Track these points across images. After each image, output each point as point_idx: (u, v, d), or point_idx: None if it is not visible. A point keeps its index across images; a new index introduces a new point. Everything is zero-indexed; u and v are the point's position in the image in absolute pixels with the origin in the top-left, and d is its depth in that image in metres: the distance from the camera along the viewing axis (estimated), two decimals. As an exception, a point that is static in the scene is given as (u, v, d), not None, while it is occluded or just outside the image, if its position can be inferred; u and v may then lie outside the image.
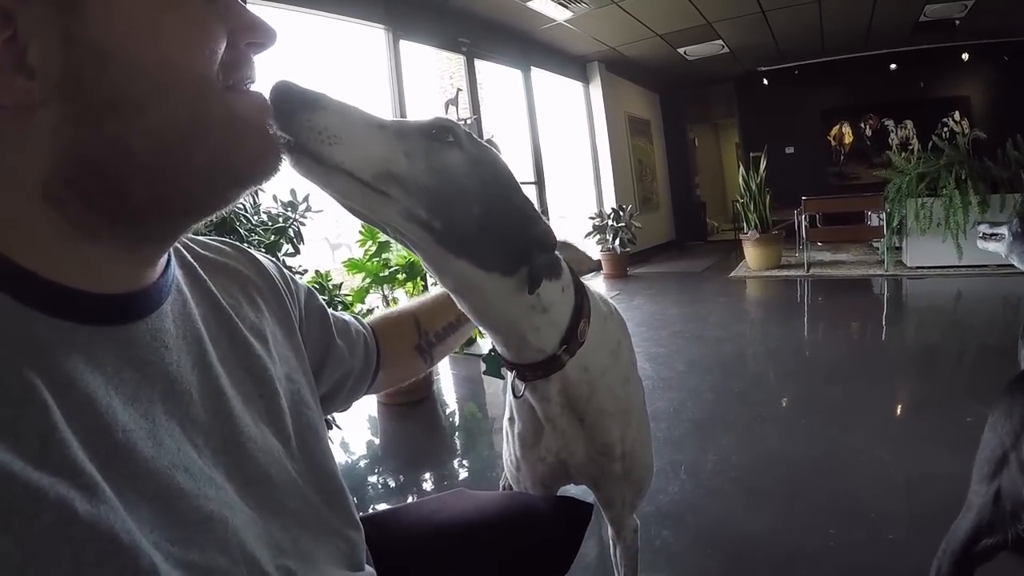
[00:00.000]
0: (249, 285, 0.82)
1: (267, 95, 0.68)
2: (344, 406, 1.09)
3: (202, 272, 0.76)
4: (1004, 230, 2.22)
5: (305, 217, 2.90)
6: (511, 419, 1.28)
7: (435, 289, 1.29)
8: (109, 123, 0.53)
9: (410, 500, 2.89)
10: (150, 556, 0.48)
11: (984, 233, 2.32)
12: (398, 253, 4.17)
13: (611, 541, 1.49)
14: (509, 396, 1.26)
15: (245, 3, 0.65)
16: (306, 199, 2.89)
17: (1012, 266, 2.26)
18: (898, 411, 3.41)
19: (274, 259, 0.93)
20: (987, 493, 1.29)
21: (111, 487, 0.48)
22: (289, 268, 2.87)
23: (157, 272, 0.64)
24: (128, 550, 0.47)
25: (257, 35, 0.63)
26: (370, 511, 0.91)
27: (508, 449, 1.31)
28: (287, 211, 2.86)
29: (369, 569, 0.84)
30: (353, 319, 1.10)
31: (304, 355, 0.87)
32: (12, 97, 0.50)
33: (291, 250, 2.84)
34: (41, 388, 0.47)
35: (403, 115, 6.43)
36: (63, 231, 0.54)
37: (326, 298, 3.05)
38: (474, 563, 0.97)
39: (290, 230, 2.81)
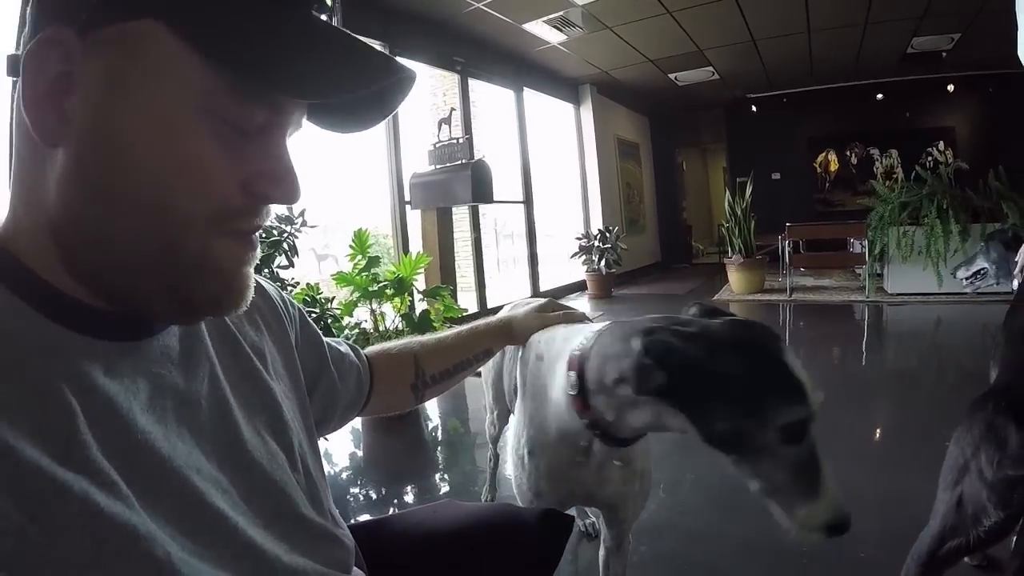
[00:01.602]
0: (251, 307, 0.81)
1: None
2: (333, 429, 1.11)
3: None
4: (982, 263, 2.30)
5: (300, 231, 2.93)
6: (532, 452, 1.31)
7: (443, 331, 1.33)
8: (97, 206, 0.55)
9: (392, 512, 2.92)
10: (165, 547, 0.52)
11: (966, 279, 2.40)
12: (387, 268, 4.20)
13: (604, 552, 1.58)
14: (527, 432, 1.31)
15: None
16: (302, 214, 2.92)
17: (990, 294, 2.33)
18: (876, 435, 3.47)
19: (274, 283, 0.96)
20: (950, 500, 1.39)
21: (129, 484, 0.52)
22: (282, 280, 2.90)
23: None
24: (145, 541, 0.50)
25: (274, 189, 0.62)
26: (352, 521, 0.93)
27: (528, 479, 1.32)
28: (283, 225, 2.89)
29: (360, 574, 0.87)
30: (349, 349, 1.12)
31: (300, 377, 0.89)
32: (37, 123, 0.53)
33: (285, 263, 2.86)
34: (67, 393, 0.51)
35: (396, 130, 6.48)
36: (64, 259, 0.57)
37: (317, 311, 3.08)
38: (462, 570, 1.01)
39: (285, 243, 2.84)
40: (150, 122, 0.54)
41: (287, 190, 0.62)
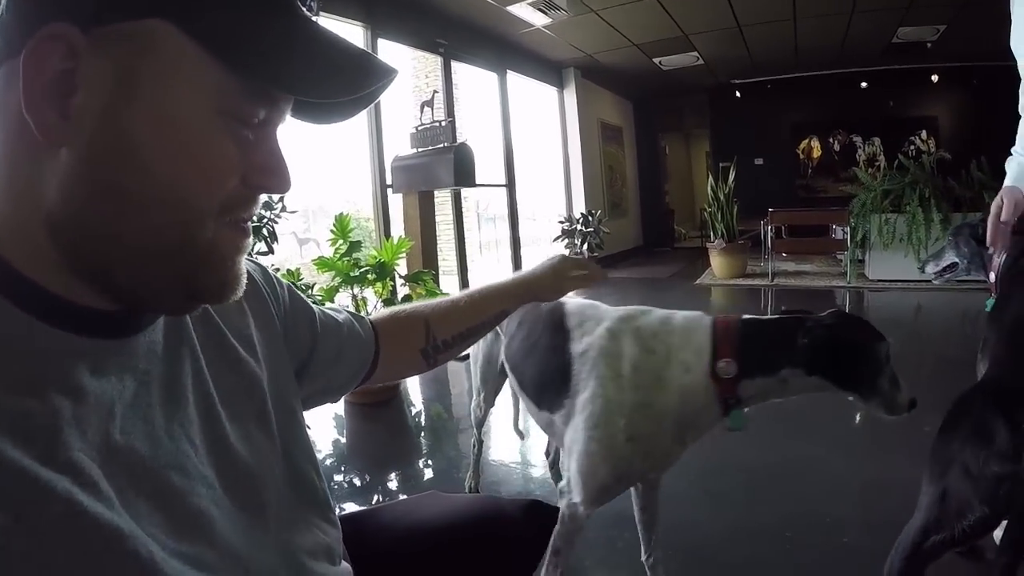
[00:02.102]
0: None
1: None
2: (335, 398, 1.10)
3: None
4: (952, 257, 2.30)
5: (280, 217, 2.90)
6: (633, 438, 1.52)
7: (455, 293, 1.31)
8: (110, 204, 0.55)
9: (376, 500, 2.90)
10: (148, 546, 0.52)
11: (936, 273, 2.41)
12: (369, 253, 4.17)
13: (643, 514, 1.95)
14: (628, 420, 1.51)
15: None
16: (281, 199, 2.89)
17: (970, 281, 2.33)
18: (856, 420, 3.48)
19: (258, 263, 0.94)
20: (934, 493, 1.38)
21: (111, 484, 0.52)
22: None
23: None
24: (128, 540, 0.50)
25: (269, 182, 0.64)
26: (338, 511, 0.92)
27: (621, 464, 1.54)
28: (262, 210, 2.85)
29: (345, 565, 0.86)
30: (351, 317, 1.09)
31: (286, 359, 0.89)
32: (39, 123, 0.52)
33: (264, 248, 2.84)
34: (51, 393, 0.51)
35: (378, 113, 6.43)
36: (60, 260, 0.56)
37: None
38: (447, 562, 1.00)
39: (264, 229, 2.81)
40: (164, 121, 0.54)
41: (282, 181, 0.64)
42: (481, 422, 2.56)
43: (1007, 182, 1.83)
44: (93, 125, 0.53)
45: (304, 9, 0.62)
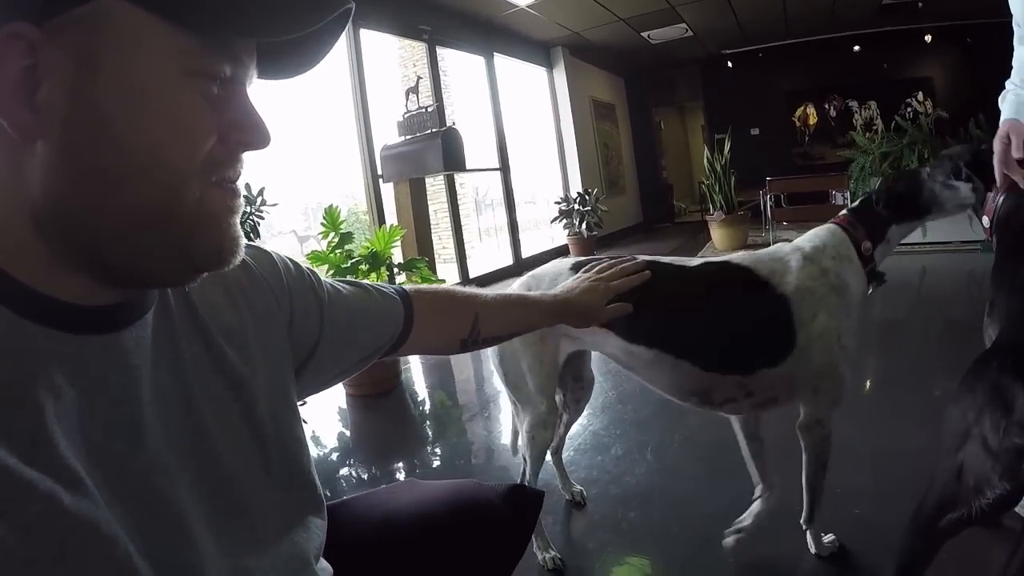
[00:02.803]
0: (232, 284, 0.82)
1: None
2: (352, 374, 1.09)
3: None
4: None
5: (262, 211, 2.85)
6: (856, 333, 1.78)
7: (511, 288, 1.33)
8: (90, 185, 0.56)
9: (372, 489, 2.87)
10: (126, 546, 0.53)
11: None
12: (361, 244, 4.14)
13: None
14: (847, 325, 1.72)
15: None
16: (261, 192, 2.84)
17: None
18: (865, 387, 3.44)
19: (264, 248, 0.93)
20: (950, 468, 1.27)
21: (93, 482, 0.53)
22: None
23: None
24: (107, 539, 0.51)
25: (249, 136, 0.65)
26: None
27: (851, 357, 1.76)
28: (245, 207, 2.81)
29: (324, 564, 0.85)
30: (376, 292, 1.07)
31: (288, 351, 0.88)
32: (13, 123, 0.53)
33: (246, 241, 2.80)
34: (34, 390, 0.52)
35: (365, 104, 6.37)
36: (47, 254, 0.57)
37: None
38: (424, 551, 0.97)
39: (246, 224, 2.76)
40: (131, 91, 0.56)
41: (260, 135, 0.65)
42: (551, 443, 2.11)
43: (1005, 115, 1.70)
44: (63, 112, 0.54)
45: None
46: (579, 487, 2.44)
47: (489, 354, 1.99)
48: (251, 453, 0.75)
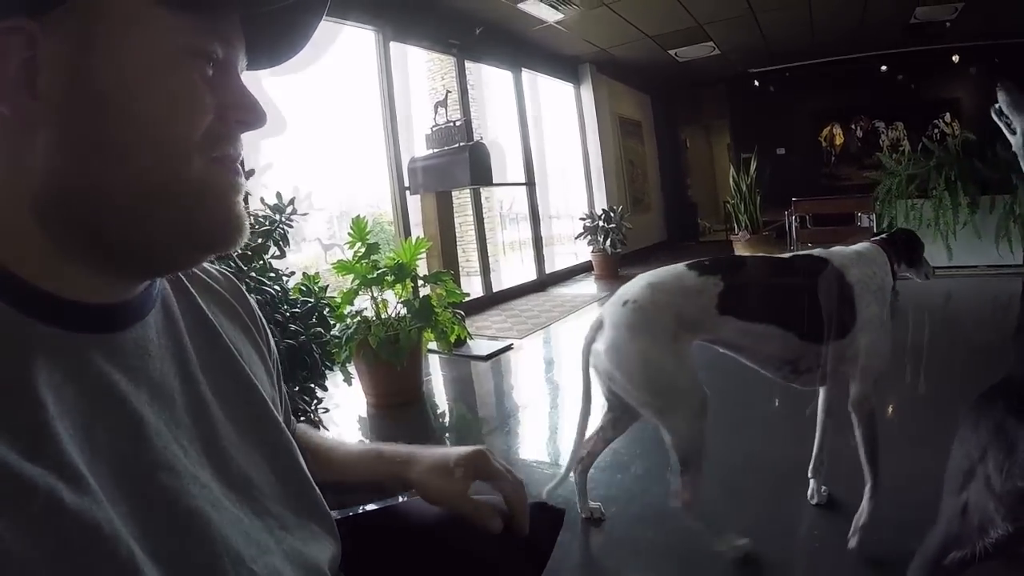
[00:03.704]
0: (232, 311, 0.84)
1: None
2: None
3: (189, 285, 0.78)
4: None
5: (291, 220, 2.89)
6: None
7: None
8: (93, 162, 0.57)
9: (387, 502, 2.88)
10: (129, 546, 0.51)
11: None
12: (387, 255, 4.17)
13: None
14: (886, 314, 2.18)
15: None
16: (291, 202, 2.88)
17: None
18: (887, 412, 3.42)
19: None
20: (955, 506, 1.27)
21: (96, 481, 0.52)
22: (276, 271, 2.87)
23: (142, 286, 0.67)
24: (109, 539, 0.49)
25: (245, 115, 0.66)
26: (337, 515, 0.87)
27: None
28: (274, 214, 2.85)
29: None
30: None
31: (275, 375, 0.89)
32: (16, 111, 0.55)
33: (277, 253, 2.83)
34: (35, 388, 0.51)
35: (393, 116, 6.42)
36: (49, 246, 0.58)
37: (312, 301, 3.05)
38: (440, 570, 0.96)
39: (276, 233, 2.80)
40: (128, 70, 0.57)
41: (256, 115, 0.67)
42: (703, 439, 2.19)
43: None
44: (63, 96, 0.55)
45: None
46: (597, 503, 2.45)
47: (624, 374, 2.07)
48: (264, 458, 0.75)
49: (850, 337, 2.11)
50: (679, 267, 2.16)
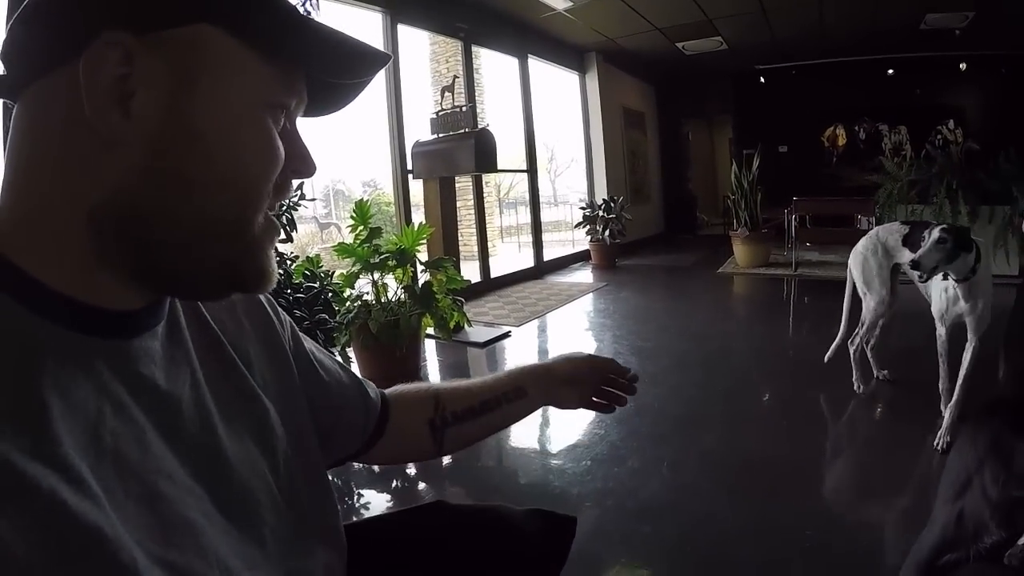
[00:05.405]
0: (236, 309, 0.84)
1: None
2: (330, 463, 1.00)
3: None
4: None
5: (298, 204, 2.90)
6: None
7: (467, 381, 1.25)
8: (172, 190, 0.59)
9: (392, 503, 2.88)
10: (131, 551, 0.50)
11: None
12: (389, 239, 4.17)
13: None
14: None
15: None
16: (300, 187, 2.89)
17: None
18: (879, 415, 3.45)
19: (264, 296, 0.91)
20: (951, 513, 1.35)
21: (99, 484, 0.51)
22: (281, 255, 2.87)
23: (154, 296, 0.67)
24: (110, 543, 0.49)
25: (301, 165, 0.70)
26: (352, 518, 0.88)
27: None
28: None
29: None
30: (355, 380, 1.04)
31: (295, 376, 0.87)
32: (106, 125, 0.56)
33: (283, 236, 2.84)
34: (40, 388, 0.51)
35: (399, 99, 6.40)
36: (86, 252, 0.58)
37: (317, 286, 3.05)
38: None
39: (283, 217, 2.81)
40: (222, 111, 0.60)
41: (310, 166, 0.71)
42: (880, 318, 3.70)
43: None
44: (156, 121, 0.57)
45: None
46: (886, 370, 3.89)
47: (849, 262, 3.77)
48: (264, 469, 0.74)
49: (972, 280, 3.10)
50: (895, 225, 3.68)
